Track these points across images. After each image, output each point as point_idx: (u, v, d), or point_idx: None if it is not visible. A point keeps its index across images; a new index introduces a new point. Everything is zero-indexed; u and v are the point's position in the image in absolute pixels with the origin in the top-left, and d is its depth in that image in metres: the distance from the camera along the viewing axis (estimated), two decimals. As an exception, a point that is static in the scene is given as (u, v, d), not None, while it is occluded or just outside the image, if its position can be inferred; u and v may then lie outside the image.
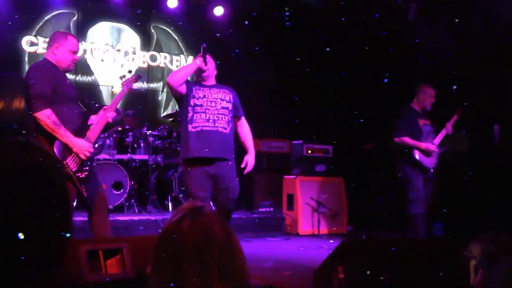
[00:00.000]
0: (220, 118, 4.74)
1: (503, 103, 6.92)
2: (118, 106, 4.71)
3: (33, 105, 4.06)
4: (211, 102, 4.75)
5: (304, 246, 6.65)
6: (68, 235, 1.20)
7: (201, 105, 4.72)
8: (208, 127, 4.68)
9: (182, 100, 4.80)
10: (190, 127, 4.69)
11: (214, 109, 4.74)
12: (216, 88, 4.89)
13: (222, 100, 4.82)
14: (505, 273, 1.61)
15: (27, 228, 1.09)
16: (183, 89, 4.75)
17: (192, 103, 4.73)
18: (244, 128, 5.06)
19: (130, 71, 5.01)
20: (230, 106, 4.86)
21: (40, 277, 1.11)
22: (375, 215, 8.14)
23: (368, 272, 2.46)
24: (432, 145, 6.15)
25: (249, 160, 4.92)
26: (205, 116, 4.70)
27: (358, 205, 8.35)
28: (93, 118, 4.46)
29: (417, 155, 6.11)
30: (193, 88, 4.79)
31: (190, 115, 4.71)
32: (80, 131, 4.27)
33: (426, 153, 6.12)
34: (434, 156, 6.19)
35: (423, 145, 6.11)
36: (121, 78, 4.98)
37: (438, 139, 6.26)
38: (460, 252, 1.93)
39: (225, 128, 4.77)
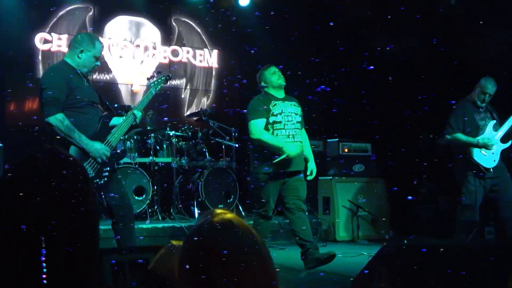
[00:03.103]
0: (297, 133, 5.46)
1: None
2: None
3: (44, 110, 4.19)
4: (287, 116, 5.44)
5: (343, 253, 6.64)
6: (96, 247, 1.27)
7: (280, 122, 5.39)
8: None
9: None
10: None
11: (291, 123, 5.44)
12: (288, 101, 5.57)
13: (296, 114, 5.53)
14: None
15: (57, 240, 1.17)
16: (266, 118, 5.41)
17: (271, 120, 5.37)
18: (304, 137, 5.71)
19: (159, 72, 5.11)
20: (301, 119, 5.60)
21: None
22: (420, 220, 8.07)
23: (411, 281, 2.47)
24: (491, 141, 5.94)
25: (313, 167, 5.60)
26: (285, 133, 5.37)
27: (401, 208, 8.28)
28: (115, 121, 4.57)
29: (474, 154, 5.92)
30: (270, 106, 5.42)
31: (270, 132, 5.38)
32: (100, 135, 4.36)
33: (485, 150, 5.93)
34: (495, 153, 5.97)
35: (479, 141, 5.92)
36: (148, 79, 5.07)
37: (500, 133, 6.03)
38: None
39: (301, 142, 5.49)
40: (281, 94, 5.59)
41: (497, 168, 5.99)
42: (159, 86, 4.93)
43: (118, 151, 4.55)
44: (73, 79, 4.31)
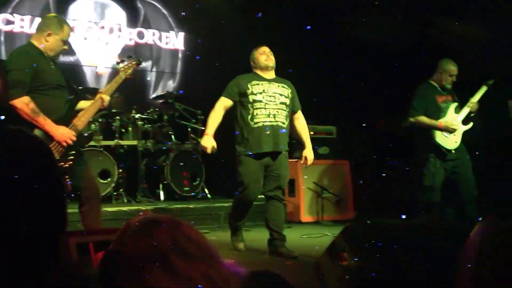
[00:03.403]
0: (279, 113, 5.33)
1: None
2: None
3: (10, 93, 4.14)
4: (270, 96, 5.35)
5: (307, 234, 6.74)
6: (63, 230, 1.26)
7: (260, 101, 5.31)
8: (268, 122, 5.27)
9: (239, 101, 5.41)
10: (252, 124, 5.29)
11: (274, 104, 5.33)
12: (276, 83, 5.48)
13: (281, 95, 5.40)
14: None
15: (24, 222, 1.14)
16: (234, 101, 5.41)
17: (251, 99, 5.31)
18: (300, 122, 5.67)
19: (130, 57, 5.06)
20: (287, 101, 5.43)
21: (36, 273, 1.17)
22: (383, 201, 8.19)
23: (375, 258, 2.51)
24: (453, 123, 6.07)
25: (308, 154, 5.50)
26: (266, 112, 5.30)
27: (365, 190, 8.39)
28: (82, 104, 4.54)
29: (436, 137, 6.05)
30: (249, 85, 5.36)
31: (250, 111, 5.31)
32: (65, 119, 4.33)
33: (447, 132, 6.05)
34: (457, 135, 6.11)
35: (441, 123, 6.04)
36: (118, 63, 5.03)
37: (462, 115, 6.15)
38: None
39: (284, 123, 5.35)
40: (269, 75, 5.52)
41: (458, 150, 6.12)
42: (130, 71, 4.89)
43: (85, 134, 4.54)
44: (39, 62, 4.26)
